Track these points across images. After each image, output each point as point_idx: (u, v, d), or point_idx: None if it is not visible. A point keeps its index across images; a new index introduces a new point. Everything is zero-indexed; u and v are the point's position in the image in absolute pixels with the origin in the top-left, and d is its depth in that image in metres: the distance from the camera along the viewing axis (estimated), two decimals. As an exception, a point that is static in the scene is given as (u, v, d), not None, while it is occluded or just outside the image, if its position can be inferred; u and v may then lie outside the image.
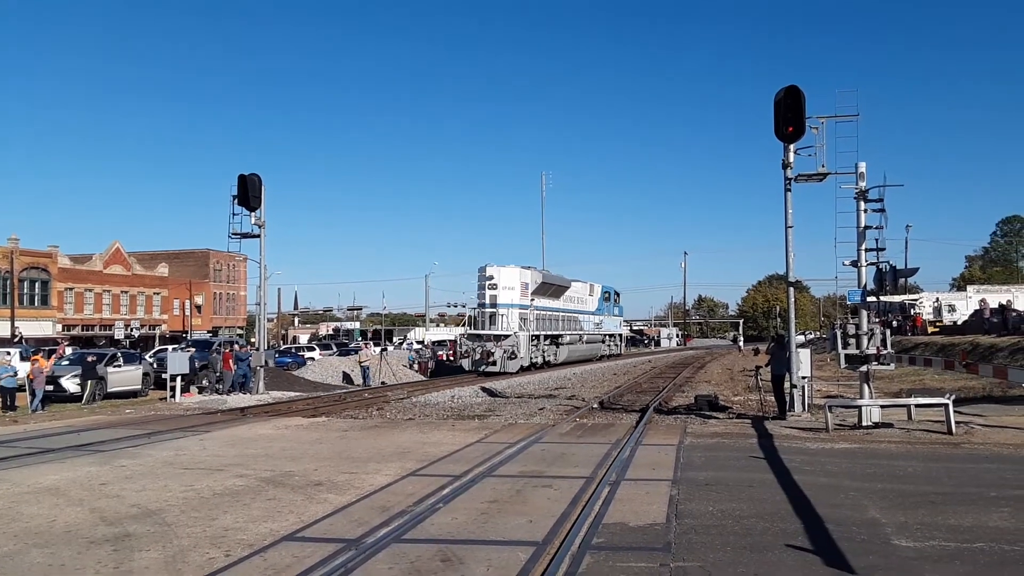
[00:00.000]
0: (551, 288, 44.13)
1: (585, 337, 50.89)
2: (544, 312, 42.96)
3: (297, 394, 27.87)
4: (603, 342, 55.59)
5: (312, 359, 47.90)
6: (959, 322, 45.94)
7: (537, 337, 41.24)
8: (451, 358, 56.03)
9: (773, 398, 17.78)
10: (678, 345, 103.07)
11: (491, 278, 38.94)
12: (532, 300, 41.15)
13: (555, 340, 44.40)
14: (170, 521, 8.15)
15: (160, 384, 27.12)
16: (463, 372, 38.68)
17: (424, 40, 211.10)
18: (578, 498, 8.96)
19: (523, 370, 38.48)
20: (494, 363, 37.58)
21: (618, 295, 60.71)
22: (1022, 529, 7.37)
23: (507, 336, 38.15)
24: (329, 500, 9.08)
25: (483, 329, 38.71)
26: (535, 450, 12.90)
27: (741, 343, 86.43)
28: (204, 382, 28.15)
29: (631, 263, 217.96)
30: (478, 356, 38.22)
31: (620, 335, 62.74)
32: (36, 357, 23.52)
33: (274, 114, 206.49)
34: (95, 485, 10.24)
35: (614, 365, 47.97)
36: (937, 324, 48.62)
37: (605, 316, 55.91)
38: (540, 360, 41.87)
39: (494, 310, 38.51)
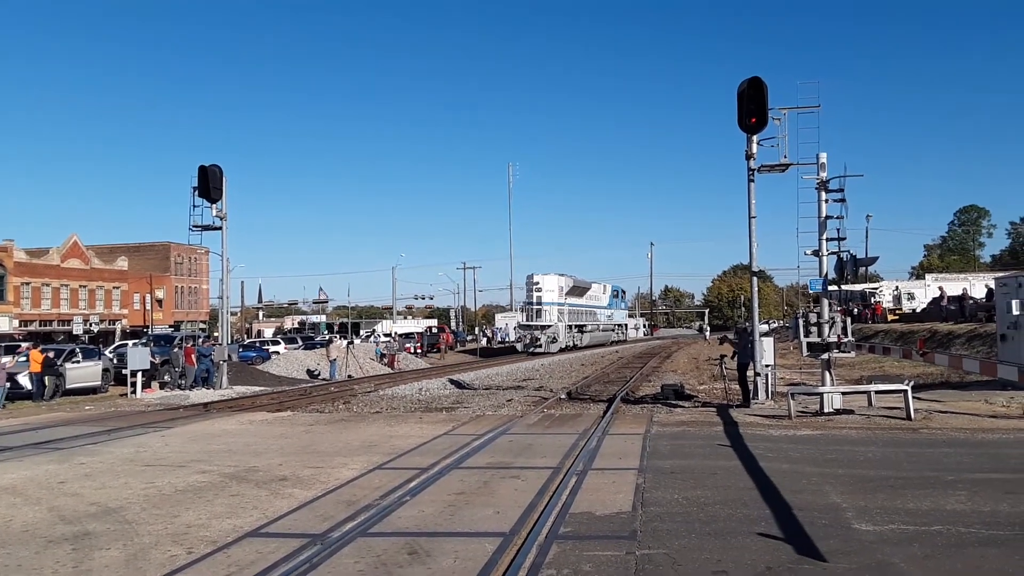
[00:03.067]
0: (578, 290, 58.59)
1: (601, 327, 66.36)
2: (573, 308, 57.41)
3: (261, 389, 27.57)
4: (613, 331, 71.24)
5: (277, 353, 47.37)
6: (918, 310, 46.90)
7: (569, 327, 55.88)
8: (418, 350, 56.42)
9: (738, 386, 17.99)
10: (645, 335, 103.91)
11: (537, 283, 53.15)
12: (565, 299, 55.16)
13: (580, 329, 59.21)
14: (131, 519, 8.00)
15: (121, 380, 26.64)
16: (515, 352, 52.92)
17: (392, 28, 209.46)
18: (545, 488, 8.98)
19: (560, 351, 51.59)
20: (540, 346, 50.99)
21: (624, 292, 77.80)
22: (978, 512, 7.55)
23: (549, 326, 52.18)
24: (294, 495, 8.99)
25: (531, 321, 52.84)
26: (502, 441, 12.91)
27: (707, 332, 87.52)
28: (166, 377, 27.71)
29: (597, 253, 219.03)
30: (527, 341, 52.00)
31: (625, 325, 79.51)
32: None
33: (236, 103, 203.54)
34: (53, 484, 10.02)
35: (583, 355, 48.57)
36: (897, 312, 49.59)
37: (614, 310, 72.61)
38: (571, 344, 55.60)
39: (539, 307, 52.54)
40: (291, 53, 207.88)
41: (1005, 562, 6.01)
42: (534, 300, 52.95)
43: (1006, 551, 6.29)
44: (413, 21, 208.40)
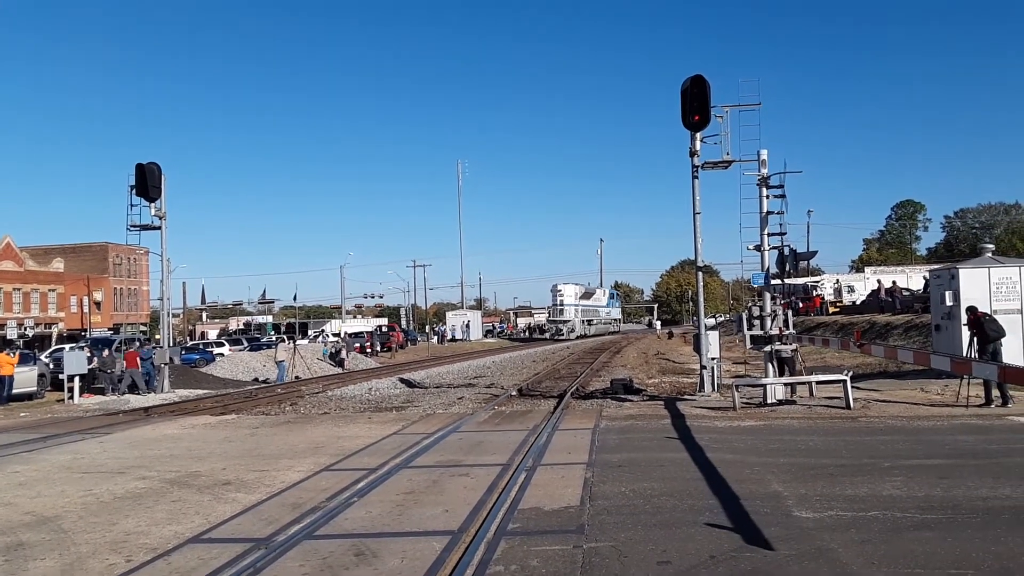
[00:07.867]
0: (587, 294, 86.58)
1: (602, 320, 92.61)
2: (584, 307, 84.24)
3: (205, 392, 26.95)
4: (610, 324, 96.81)
5: (222, 355, 46.34)
6: (858, 302, 48.27)
7: (582, 321, 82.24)
8: (367, 349, 55.93)
9: (685, 380, 18.24)
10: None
11: (560, 291, 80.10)
12: (579, 301, 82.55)
13: (589, 323, 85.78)
14: (67, 528, 7.75)
15: (58, 385, 25.77)
16: (545, 339, 75.61)
17: (340, 24, 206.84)
18: (495, 485, 8.97)
19: (577, 338, 76.06)
20: (563, 334, 76.22)
21: (617, 294, 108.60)
22: (913, 497, 7.79)
23: (569, 321, 79.17)
24: (238, 499, 8.81)
25: (556, 318, 79.65)
26: (452, 440, 12.87)
27: (657, 327, 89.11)
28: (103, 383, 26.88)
29: (548, 250, 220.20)
30: (553, 331, 77.95)
31: (620, 319, 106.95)
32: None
33: (177, 99, 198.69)
34: (-16, 494, 9.65)
35: (543, 350, 48.77)
36: (838, 304, 50.97)
37: (611, 308, 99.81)
38: (583, 333, 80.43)
39: (562, 307, 79.66)
40: (233, 49, 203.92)
41: (938, 545, 6.21)
42: (558, 303, 79.63)
43: (939, 534, 6.50)
44: (360, 18, 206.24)
